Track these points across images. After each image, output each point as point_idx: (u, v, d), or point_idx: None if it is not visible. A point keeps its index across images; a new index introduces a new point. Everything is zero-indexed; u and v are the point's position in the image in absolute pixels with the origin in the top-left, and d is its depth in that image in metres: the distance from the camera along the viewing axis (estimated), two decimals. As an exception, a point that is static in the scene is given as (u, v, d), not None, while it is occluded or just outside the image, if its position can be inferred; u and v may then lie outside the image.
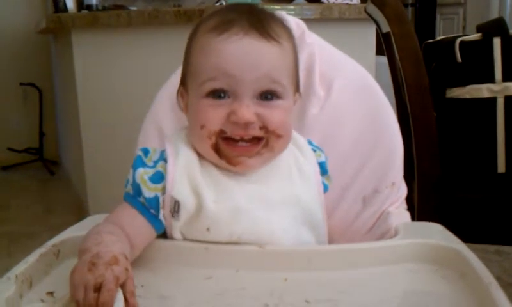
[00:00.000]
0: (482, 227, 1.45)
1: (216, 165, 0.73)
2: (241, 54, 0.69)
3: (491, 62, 1.47)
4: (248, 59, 0.69)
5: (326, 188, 0.83)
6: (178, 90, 0.79)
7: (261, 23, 0.71)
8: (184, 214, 0.71)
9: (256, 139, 0.71)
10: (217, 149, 0.71)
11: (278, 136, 0.72)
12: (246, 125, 0.69)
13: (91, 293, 0.53)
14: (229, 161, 0.72)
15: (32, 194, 3.65)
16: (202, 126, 0.71)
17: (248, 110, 0.69)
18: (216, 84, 0.70)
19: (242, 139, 0.70)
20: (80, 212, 2.88)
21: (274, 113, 0.71)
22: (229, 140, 0.71)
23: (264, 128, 0.71)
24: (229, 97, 0.70)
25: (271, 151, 0.73)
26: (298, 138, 0.82)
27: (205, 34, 0.72)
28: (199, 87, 0.71)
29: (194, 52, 0.74)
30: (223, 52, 0.70)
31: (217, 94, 0.70)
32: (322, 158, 0.83)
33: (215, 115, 0.70)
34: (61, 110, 3.88)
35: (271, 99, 0.71)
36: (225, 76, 0.69)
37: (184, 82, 0.78)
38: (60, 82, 3.74)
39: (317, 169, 0.81)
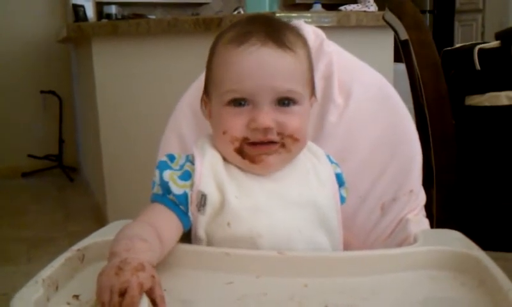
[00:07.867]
0: (502, 235, 1.44)
1: (239, 167, 0.77)
2: (259, 64, 0.74)
3: (510, 69, 1.47)
4: (265, 68, 0.74)
5: (343, 200, 0.85)
6: (201, 98, 0.84)
7: (277, 33, 0.75)
8: (209, 208, 0.74)
9: (273, 142, 0.75)
10: (240, 151, 0.76)
11: (295, 139, 0.76)
12: (266, 130, 0.74)
13: (116, 297, 0.55)
14: (252, 160, 0.76)
15: (52, 200, 3.68)
16: (224, 132, 0.76)
17: (267, 116, 0.74)
18: (236, 94, 0.75)
19: (261, 142, 0.75)
20: (99, 218, 2.91)
21: (291, 119, 0.75)
22: (251, 143, 0.75)
23: (280, 134, 0.75)
24: (249, 104, 0.75)
25: (288, 152, 0.77)
26: (314, 146, 0.85)
27: (225, 45, 0.77)
28: (221, 96, 0.77)
29: (215, 63, 0.79)
30: (241, 63, 0.74)
31: (237, 102, 0.75)
32: (338, 170, 0.86)
33: (236, 122, 0.75)
34: (81, 117, 3.93)
35: (288, 105, 0.76)
36: (244, 86, 0.74)
37: (206, 90, 0.83)
38: (80, 90, 3.79)
39: (334, 177, 0.83)
